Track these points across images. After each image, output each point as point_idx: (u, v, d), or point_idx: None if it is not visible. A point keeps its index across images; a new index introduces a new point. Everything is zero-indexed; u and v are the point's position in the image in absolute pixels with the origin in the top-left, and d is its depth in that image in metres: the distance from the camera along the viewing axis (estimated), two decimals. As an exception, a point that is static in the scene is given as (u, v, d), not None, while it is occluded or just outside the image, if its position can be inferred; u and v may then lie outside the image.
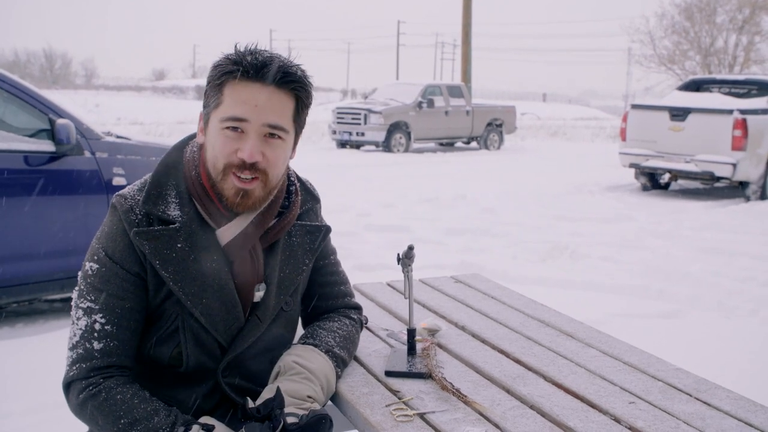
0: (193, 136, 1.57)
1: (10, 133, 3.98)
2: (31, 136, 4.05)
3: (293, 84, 1.45)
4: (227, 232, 1.48)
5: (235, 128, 1.42)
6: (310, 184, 1.70)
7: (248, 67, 1.41)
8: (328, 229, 1.67)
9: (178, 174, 1.50)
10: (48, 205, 4.02)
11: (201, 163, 1.48)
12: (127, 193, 1.48)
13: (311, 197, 1.67)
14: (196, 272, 1.45)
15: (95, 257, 1.45)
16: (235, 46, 1.46)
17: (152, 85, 60.14)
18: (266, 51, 1.46)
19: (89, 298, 1.43)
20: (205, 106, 1.48)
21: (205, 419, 1.40)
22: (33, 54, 73.22)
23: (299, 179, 1.66)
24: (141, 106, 32.51)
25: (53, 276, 4.07)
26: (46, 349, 3.63)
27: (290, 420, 1.35)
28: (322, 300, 1.72)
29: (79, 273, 1.48)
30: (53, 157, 4.04)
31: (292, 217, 1.57)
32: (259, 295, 1.54)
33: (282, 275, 1.57)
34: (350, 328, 1.69)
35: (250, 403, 1.37)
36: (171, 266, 1.43)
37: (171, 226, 1.44)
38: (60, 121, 4.01)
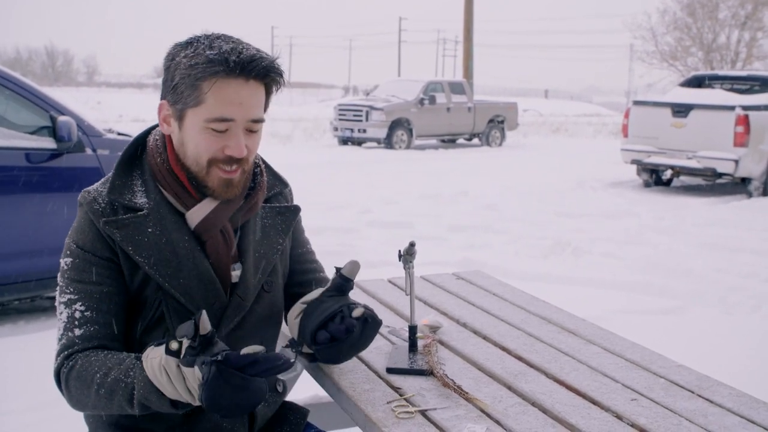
0: (154, 128, 1.57)
1: (11, 131, 3.98)
2: (33, 133, 4.05)
3: (278, 77, 1.46)
4: (196, 214, 1.48)
5: (220, 127, 1.42)
6: (277, 171, 1.72)
7: (234, 67, 1.39)
8: (297, 209, 1.69)
9: (143, 163, 1.53)
10: (49, 203, 4.02)
11: (169, 150, 1.49)
12: (91, 188, 1.50)
13: (279, 182, 1.69)
14: (170, 254, 1.46)
15: (68, 252, 1.49)
16: (211, 41, 1.41)
17: (154, 82, 60.07)
18: (240, 42, 1.43)
19: (68, 290, 1.46)
20: (175, 102, 1.44)
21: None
22: (35, 51, 73.37)
23: (264, 162, 1.66)
24: (143, 104, 32.48)
25: (54, 273, 4.06)
26: (48, 347, 3.59)
27: (356, 314, 1.47)
28: (305, 287, 1.73)
29: (58, 273, 1.51)
30: (54, 155, 4.04)
31: (260, 197, 1.58)
32: (236, 274, 1.54)
33: (257, 255, 1.58)
34: None
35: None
36: (144, 251, 1.44)
37: (139, 213, 1.46)
38: (61, 118, 4.01)
